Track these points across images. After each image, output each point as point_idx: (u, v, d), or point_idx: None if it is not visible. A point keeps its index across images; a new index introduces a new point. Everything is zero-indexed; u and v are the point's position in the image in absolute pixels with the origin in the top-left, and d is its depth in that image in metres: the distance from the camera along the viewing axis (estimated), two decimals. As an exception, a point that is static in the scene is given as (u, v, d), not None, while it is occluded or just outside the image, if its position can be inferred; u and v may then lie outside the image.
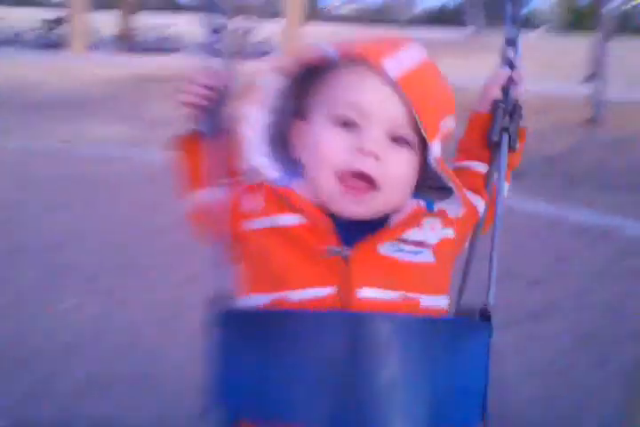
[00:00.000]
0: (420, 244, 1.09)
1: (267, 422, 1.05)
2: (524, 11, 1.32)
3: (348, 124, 1.05)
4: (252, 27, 13.79)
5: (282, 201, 1.09)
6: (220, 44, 1.22)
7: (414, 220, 1.09)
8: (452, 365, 1.07)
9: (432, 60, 1.10)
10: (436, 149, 1.05)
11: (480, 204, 1.23)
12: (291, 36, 21.11)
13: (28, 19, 25.61)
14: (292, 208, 1.08)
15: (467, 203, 1.14)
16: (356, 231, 1.06)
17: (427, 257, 1.10)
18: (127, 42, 24.08)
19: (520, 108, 1.22)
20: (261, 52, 21.60)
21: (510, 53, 1.27)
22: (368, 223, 1.08)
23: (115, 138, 8.51)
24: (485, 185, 1.25)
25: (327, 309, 1.04)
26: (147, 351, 3.20)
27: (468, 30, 33.75)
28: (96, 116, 9.96)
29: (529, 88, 1.26)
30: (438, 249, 1.11)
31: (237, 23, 13.65)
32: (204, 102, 1.17)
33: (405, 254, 1.08)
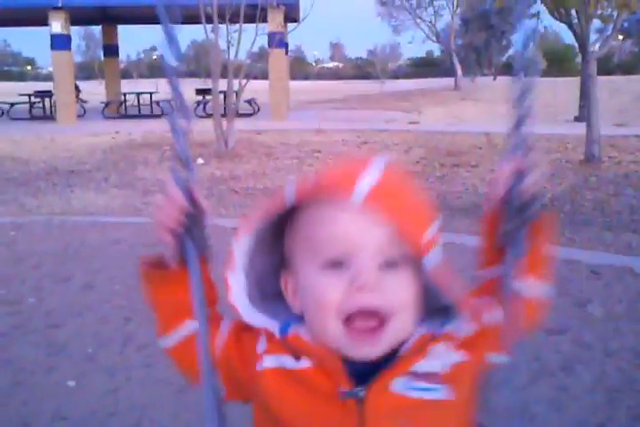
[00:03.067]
0: (430, 377, 0.98)
1: None
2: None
3: (334, 265, 0.96)
4: (240, 87, 13.85)
5: (286, 345, 1.02)
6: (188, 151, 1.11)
7: (421, 348, 0.99)
8: None
9: (397, 170, 0.99)
10: (429, 261, 0.96)
11: (495, 314, 1.06)
12: (277, 96, 21.43)
13: (12, 93, 25.93)
14: (299, 352, 1.01)
15: (475, 318, 1.01)
16: (365, 368, 0.97)
17: (441, 393, 0.98)
18: (114, 109, 24.35)
19: (533, 202, 1.04)
20: (249, 111, 22.02)
21: (518, 137, 1.10)
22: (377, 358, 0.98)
23: (107, 206, 8.41)
24: (499, 293, 1.08)
25: None
26: (154, 433, 3.00)
27: (460, 78, 34.32)
28: (86, 186, 9.88)
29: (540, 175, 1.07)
30: (452, 378, 0.99)
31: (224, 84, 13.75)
32: (179, 227, 1.06)
33: (418, 392, 0.97)
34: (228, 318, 1.09)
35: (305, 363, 0.99)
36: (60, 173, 11.15)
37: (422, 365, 0.98)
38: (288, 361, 1.01)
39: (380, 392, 0.96)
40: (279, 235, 1.03)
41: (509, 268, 1.06)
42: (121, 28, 28.99)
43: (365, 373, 0.96)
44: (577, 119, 18.24)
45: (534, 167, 1.06)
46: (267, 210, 0.99)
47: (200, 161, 12.12)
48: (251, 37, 14.32)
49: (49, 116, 23.29)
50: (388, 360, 0.97)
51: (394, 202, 0.94)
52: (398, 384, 0.97)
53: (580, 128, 11.55)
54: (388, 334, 0.95)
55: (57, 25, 21.33)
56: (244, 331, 1.07)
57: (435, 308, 1.00)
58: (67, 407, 3.22)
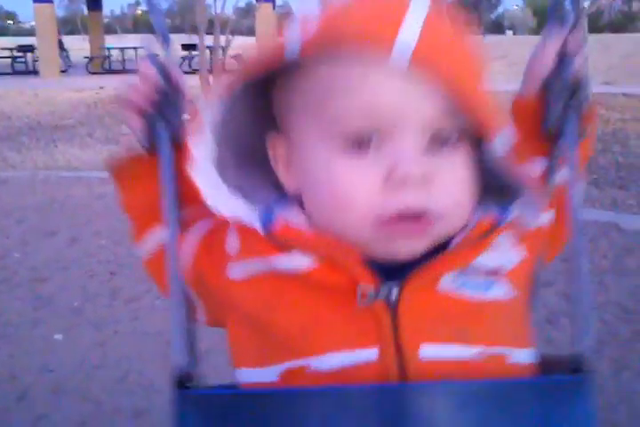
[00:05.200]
0: (493, 272, 0.77)
1: None
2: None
3: (363, 144, 0.69)
4: (227, 42, 13.63)
5: (272, 240, 0.74)
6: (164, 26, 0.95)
7: (483, 238, 0.75)
8: None
9: (440, 7, 0.70)
10: (499, 141, 0.71)
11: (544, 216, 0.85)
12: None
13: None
14: (294, 247, 0.74)
15: (545, 206, 0.81)
16: (395, 265, 0.72)
17: (505, 291, 0.78)
18: (98, 64, 23.97)
19: (584, 83, 0.88)
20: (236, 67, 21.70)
21: (565, 10, 0.92)
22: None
23: (92, 161, 8.32)
24: (548, 189, 0.87)
25: (369, 381, 0.70)
26: (140, 385, 3.01)
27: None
28: (71, 141, 9.76)
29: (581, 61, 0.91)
30: (516, 276, 0.80)
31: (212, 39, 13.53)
32: (150, 107, 0.87)
33: (476, 290, 0.75)
34: (203, 221, 0.86)
35: (304, 260, 0.73)
36: (43, 128, 11.00)
37: (484, 258, 0.76)
38: (280, 261, 0.75)
39: (423, 291, 0.72)
40: (267, 87, 0.77)
41: (559, 160, 0.88)
42: (104, -19, 28.37)
43: (404, 274, 0.72)
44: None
45: (580, 47, 0.90)
46: (256, 63, 0.71)
47: (186, 117, 11.96)
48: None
49: (32, 71, 22.90)
50: (431, 256, 0.73)
51: (447, 55, 0.67)
52: (449, 281, 0.74)
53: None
54: (436, 229, 0.71)
55: (38, -24, 20.82)
56: (214, 231, 0.84)
57: (494, 189, 0.76)
58: (54, 360, 3.22)
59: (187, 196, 0.84)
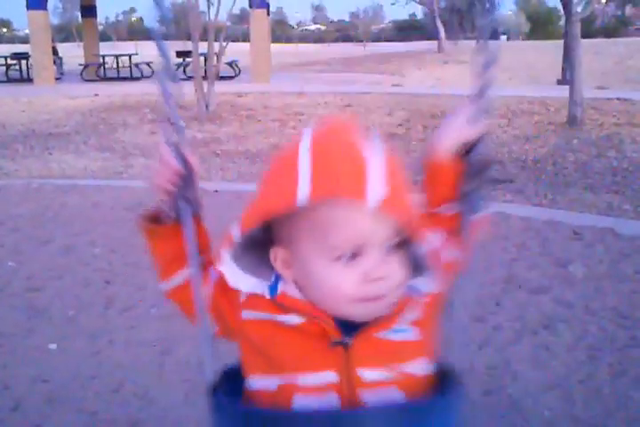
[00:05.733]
0: (404, 323, 1.13)
1: None
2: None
3: (347, 259, 1.04)
4: (220, 49, 13.64)
5: (275, 304, 1.11)
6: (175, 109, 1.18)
7: (403, 306, 1.12)
8: None
9: (388, 149, 1.05)
10: (425, 243, 1.08)
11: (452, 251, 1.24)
12: (259, 57, 21.15)
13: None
14: (289, 310, 1.10)
15: (440, 279, 1.15)
16: (352, 323, 1.09)
17: (413, 334, 1.14)
18: (92, 71, 23.95)
19: (491, 166, 1.22)
20: (231, 73, 21.74)
21: (484, 102, 1.20)
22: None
23: (86, 169, 8.30)
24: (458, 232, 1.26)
25: (334, 392, 1.08)
26: (135, 395, 2.99)
27: (443, 41, 33.87)
28: (65, 148, 9.74)
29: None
30: (422, 322, 1.16)
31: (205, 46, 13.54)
32: (173, 188, 1.17)
33: (396, 335, 1.12)
34: (215, 269, 1.15)
35: (295, 319, 1.09)
36: (38, 135, 10.98)
37: (402, 317, 1.13)
38: (279, 318, 1.10)
39: (365, 339, 1.09)
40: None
41: (468, 213, 1.25)
42: (98, -11, 28.37)
43: (351, 327, 1.08)
44: (559, 82, 18.16)
45: (487, 133, 1.20)
46: (272, 207, 1.02)
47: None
48: (231, -2, 14.06)
49: (26, 79, 22.87)
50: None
51: (399, 201, 1.03)
52: (380, 334, 1.11)
53: (563, 91, 11.49)
54: (385, 306, 1.08)
55: (32, -16, 20.81)
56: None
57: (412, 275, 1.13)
58: (48, 370, 3.20)
59: (201, 248, 1.22)
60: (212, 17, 13.31)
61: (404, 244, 1.07)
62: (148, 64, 23.40)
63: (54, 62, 23.04)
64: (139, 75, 23.23)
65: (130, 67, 23.76)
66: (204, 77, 13.39)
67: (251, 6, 20.81)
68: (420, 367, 1.14)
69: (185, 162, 1.16)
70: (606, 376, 3.08)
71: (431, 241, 1.12)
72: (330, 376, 1.08)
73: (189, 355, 3.33)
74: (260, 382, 1.13)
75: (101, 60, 24.66)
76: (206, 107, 12.79)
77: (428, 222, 1.17)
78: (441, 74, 23.12)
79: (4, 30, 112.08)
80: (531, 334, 3.50)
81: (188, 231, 1.21)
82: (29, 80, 22.32)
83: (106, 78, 23.60)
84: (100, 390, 3.04)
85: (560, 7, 11.61)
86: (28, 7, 21.12)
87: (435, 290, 1.15)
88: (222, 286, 1.15)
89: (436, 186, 1.25)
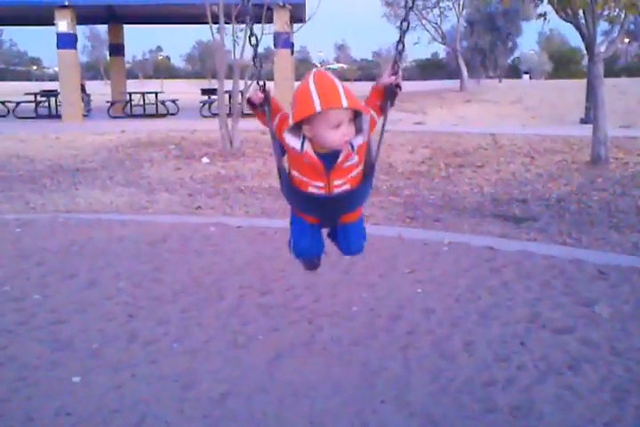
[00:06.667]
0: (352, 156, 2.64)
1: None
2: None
3: (334, 127, 2.50)
4: (245, 87, 13.83)
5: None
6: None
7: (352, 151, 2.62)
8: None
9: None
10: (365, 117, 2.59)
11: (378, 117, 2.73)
12: (283, 95, 21.39)
13: (18, 92, 25.94)
14: (307, 155, 2.61)
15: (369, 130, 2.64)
16: (330, 156, 2.61)
17: (357, 160, 2.67)
18: (119, 108, 24.37)
19: (399, 87, 2.73)
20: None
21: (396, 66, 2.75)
22: (333, 156, 2.60)
23: (112, 204, 8.39)
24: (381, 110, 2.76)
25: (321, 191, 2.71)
26: (159, 429, 2.98)
27: (465, 80, 34.08)
28: (92, 183, 9.88)
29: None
30: (360, 154, 2.67)
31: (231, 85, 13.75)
32: (259, 99, 2.73)
33: (349, 163, 2.65)
34: (279, 114, 2.76)
35: (309, 159, 2.61)
36: (65, 170, 11.14)
37: (351, 156, 2.64)
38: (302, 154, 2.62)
39: (337, 168, 2.64)
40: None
41: (386, 104, 2.74)
42: (127, 28, 29.05)
43: (331, 162, 2.62)
44: (583, 121, 18.19)
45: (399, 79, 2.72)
46: (305, 113, 2.45)
47: (205, 160, 12.11)
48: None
49: (54, 115, 23.33)
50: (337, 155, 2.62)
51: (354, 102, 2.45)
52: (343, 164, 2.64)
53: (587, 130, 11.50)
54: (349, 141, 2.59)
55: (63, 24, 21.36)
56: (282, 119, 2.73)
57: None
58: (71, 403, 3.21)
59: (275, 110, 2.79)
60: (238, 56, 13.54)
61: (355, 119, 2.53)
62: (173, 101, 23.79)
63: (82, 99, 23.49)
64: (164, 112, 23.60)
65: (156, 104, 24.16)
66: (229, 115, 13.58)
67: (275, 46, 21.14)
68: (357, 173, 2.71)
69: (264, 90, 2.75)
70: (632, 419, 3.03)
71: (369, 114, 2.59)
72: (322, 183, 2.67)
73: (211, 390, 3.32)
74: (294, 175, 2.74)
75: (128, 98, 25.12)
76: (230, 143, 12.94)
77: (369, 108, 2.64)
78: (463, 112, 23.23)
79: (34, 68, 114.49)
80: (555, 375, 3.45)
81: (267, 113, 2.75)
82: (58, 117, 22.77)
83: (132, 115, 24.00)
84: (122, 423, 3.04)
85: (583, 47, 11.66)
86: (59, 47, 21.65)
87: (364, 141, 2.62)
88: (282, 120, 2.70)
89: (373, 98, 2.74)
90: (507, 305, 4.43)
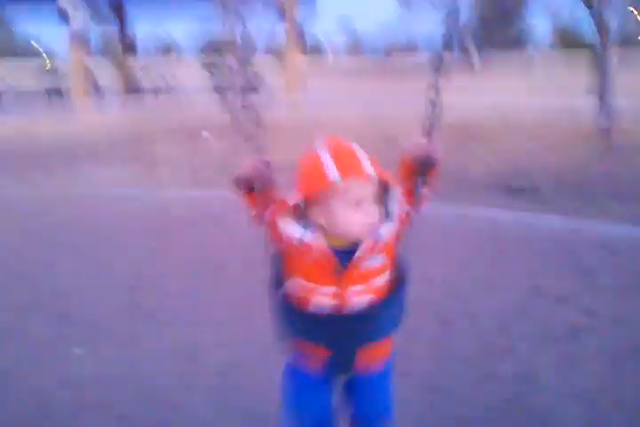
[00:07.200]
0: (378, 253, 1.95)
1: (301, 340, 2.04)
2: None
3: (353, 205, 1.85)
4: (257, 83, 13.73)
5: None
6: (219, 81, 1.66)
7: (375, 244, 1.92)
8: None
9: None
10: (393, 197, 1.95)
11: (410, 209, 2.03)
12: (293, 90, 21.25)
13: (25, 70, 25.91)
14: (313, 249, 1.92)
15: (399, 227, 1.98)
16: (346, 253, 1.91)
17: (382, 260, 1.97)
18: (125, 86, 24.27)
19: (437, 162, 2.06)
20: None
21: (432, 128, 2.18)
22: (350, 248, 1.91)
23: (117, 179, 8.42)
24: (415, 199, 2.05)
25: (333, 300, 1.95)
26: (164, 400, 3.04)
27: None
28: (97, 160, 9.89)
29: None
30: (386, 250, 1.97)
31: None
32: (255, 174, 2.00)
33: (371, 263, 1.94)
34: (270, 208, 1.98)
35: (315, 255, 1.90)
36: (70, 148, 11.15)
37: (373, 254, 1.93)
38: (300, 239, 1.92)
39: (353, 267, 1.92)
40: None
41: (420, 186, 2.05)
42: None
43: (345, 259, 1.90)
44: (589, 91, 18.02)
45: (434, 151, 2.05)
46: (316, 186, 1.83)
47: (205, 134, 12.08)
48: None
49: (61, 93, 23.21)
50: (355, 250, 1.90)
51: (380, 172, 1.84)
52: (362, 264, 1.93)
53: (592, 100, 11.40)
54: (373, 227, 1.91)
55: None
56: (275, 212, 1.96)
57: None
58: (74, 375, 3.27)
59: (268, 200, 2.00)
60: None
61: (380, 200, 1.89)
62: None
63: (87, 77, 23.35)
64: (170, 88, 23.48)
65: (162, 80, 24.03)
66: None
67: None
68: (383, 279, 2.00)
69: (262, 161, 2.01)
70: (630, 385, 3.06)
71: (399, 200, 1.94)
72: (332, 288, 1.93)
73: (215, 362, 3.37)
74: (293, 284, 1.99)
75: (134, 74, 24.96)
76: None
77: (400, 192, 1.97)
78: (467, 84, 23.05)
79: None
80: (555, 343, 3.48)
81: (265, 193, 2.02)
82: (63, 95, 22.67)
83: (138, 92, 23.89)
84: (126, 394, 3.09)
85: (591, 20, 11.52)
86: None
87: (393, 233, 1.94)
88: (274, 215, 1.94)
89: (403, 176, 2.04)
90: (507, 275, 4.45)
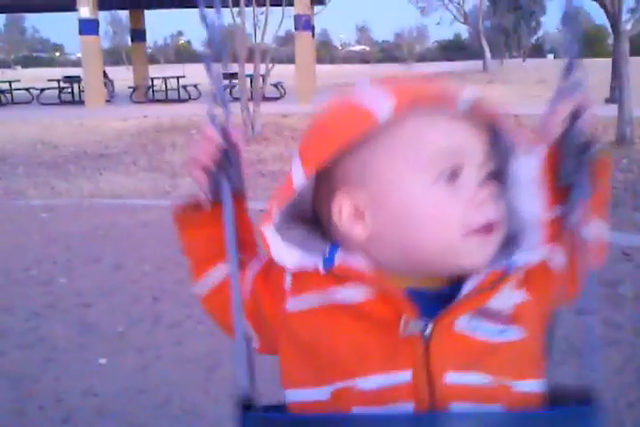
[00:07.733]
0: (496, 317, 0.88)
1: None
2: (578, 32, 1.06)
3: (449, 178, 0.85)
4: (266, 71, 13.81)
5: (334, 276, 0.88)
6: (224, 93, 1.05)
7: (492, 285, 0.87)
8: None
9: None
10: (526, 171, 0.91)
11: (555, 256, 0.94)
12: (304, 78, 21.37)
13: (41, 78, 26.15)
14: (352, 281, 0.86)
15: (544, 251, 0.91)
16: (430, 300, 0.86)
17: (513, 334, 0.88)
18: (141, 94, 24.47)
19: (593, 142, 0.97)
20: (275, 95, 21.99)
21: (574, 75, 1.02)
22: (439, 291, 0.88)
23: (136, 189, 8.47)
24: (562, 231, 0.95)
25: (404, 401, 0.83)
26: (182, 410, 3.04)
27: (488, 60, 33.77)
28: (115, 169, 9.96)
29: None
30: (524, 318, 0.91)
31: (251, 68, 13.75)
32: (214, 165, 0.98)
33: (486, 334, 0.87)
34: (255, 260, 1.01)
35: (362, 293, 0.85)
36: (89, 156, 11.25)
37: (492, 303, 0.87)
38: (340, 294, 0.87)
39: (445, 330, 0.84)
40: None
41: (574, 208, 0.95)
42: (147, 13, 29.05)
43: (435, 310, 0.84)
44: (608, 101, 17.95)
45: (588, 107, 1.00)
46: (348, 132, 0.85)
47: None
48: (277, 20, 14.27)
49: (78, 101, 23.49)
50: (452, 296, 0.86)
51: (493, 109, 0.89)
52: (463, 323, 0.85)
53: (612, 109, 11.34)
54: (498, 240, 0.88)
55: (85, 10, 21.42)
56: (266, 269, 0.98)
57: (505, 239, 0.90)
58: (98, 384, 3.27)
59: (242, 241, 1.00)
60: (259, 39, 13.53)
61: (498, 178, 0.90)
62: (195, 86, 23.83)
63: (105, 85, 23.61)
64: (186, 97, 23.64)
65: (178, 89, 24.19)
66: (250, 99, 13.58)
67: (296, 28, 21.06)
68: (525, 382, 0.88)
69: (228, 136, 0.99)
70: (656, 399, 3.03)
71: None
72: (402, 377, 0.83)
73: (235, 371, 3.36)
74: (307, 394, 0.89)
75: (150, 83, 25.20)
76: (252, 127, 12.95)
77: None
78: (486, 93, 22.98)
79: (57, 54, 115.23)
80: (578, 356, 3.45)
81: (227, 215, 0.98)
82: (81, 102, 22.92)
83: (154, 100, 24.08)
84: (148, 404, 3.09)
85: (608, 25, 11.48)
86: (81, 33, 21.74)
87: (532, 263, 0.89)
88: (263, 277, 0.98)
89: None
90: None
